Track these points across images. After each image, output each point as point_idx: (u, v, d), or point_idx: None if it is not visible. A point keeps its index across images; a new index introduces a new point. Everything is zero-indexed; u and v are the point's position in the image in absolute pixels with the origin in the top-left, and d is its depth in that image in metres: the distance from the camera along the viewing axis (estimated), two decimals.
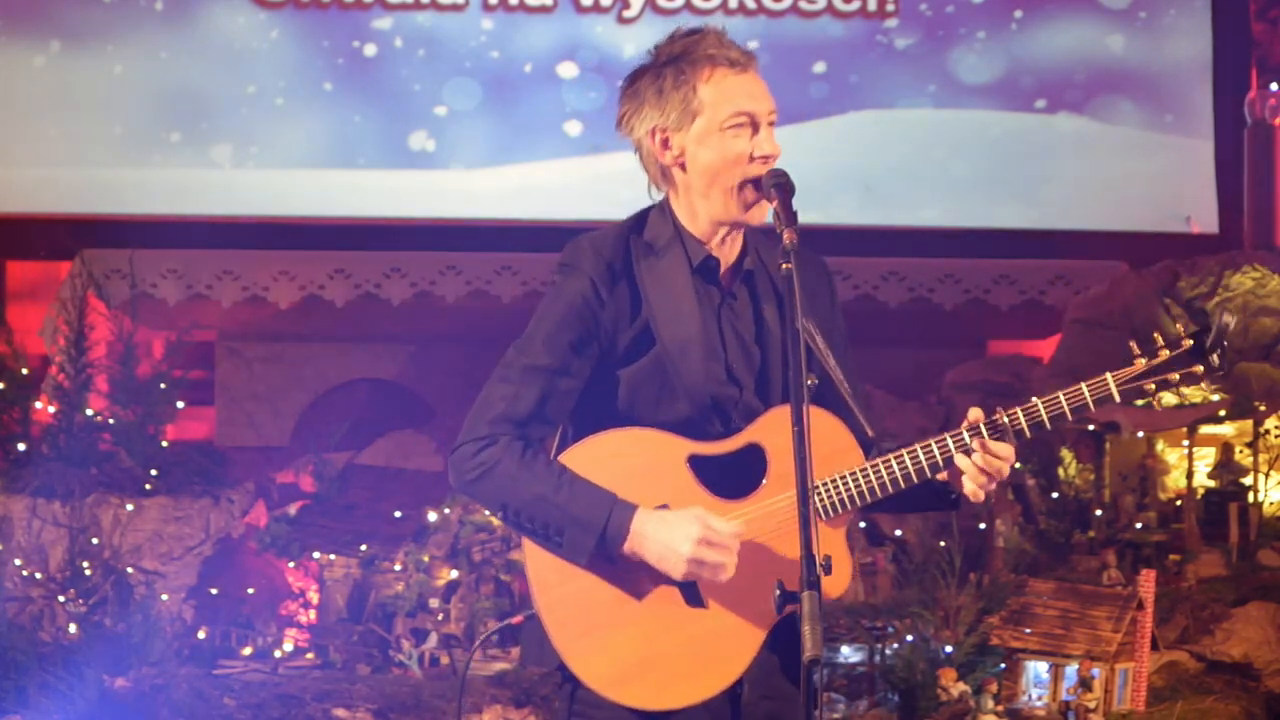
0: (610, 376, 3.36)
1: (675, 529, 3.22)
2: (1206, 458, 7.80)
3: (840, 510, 3.30)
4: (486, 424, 3.32)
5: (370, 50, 9.43)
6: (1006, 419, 3.29)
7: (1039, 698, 6.26)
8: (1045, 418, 3.30)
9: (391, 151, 9.42)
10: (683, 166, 3.39)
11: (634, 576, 3.29)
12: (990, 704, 6.09)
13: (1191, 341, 3.28)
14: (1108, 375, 3.29)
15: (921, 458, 3.29)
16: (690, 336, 3.34)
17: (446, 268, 9.00)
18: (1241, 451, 7.74)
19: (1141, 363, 3.29)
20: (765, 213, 3.35)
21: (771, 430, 3.30)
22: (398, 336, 9.43)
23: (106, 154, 9.29)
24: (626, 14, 9.45)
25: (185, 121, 9.33)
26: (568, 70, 9.38)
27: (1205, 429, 7.72)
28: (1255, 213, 9.22)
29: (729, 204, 3.36)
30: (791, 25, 9.47)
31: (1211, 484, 7.71)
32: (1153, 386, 3.30)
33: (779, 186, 3.28)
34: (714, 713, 3.32)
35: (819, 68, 9.48)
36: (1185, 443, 7.68)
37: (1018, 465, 7.60)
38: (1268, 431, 7.72)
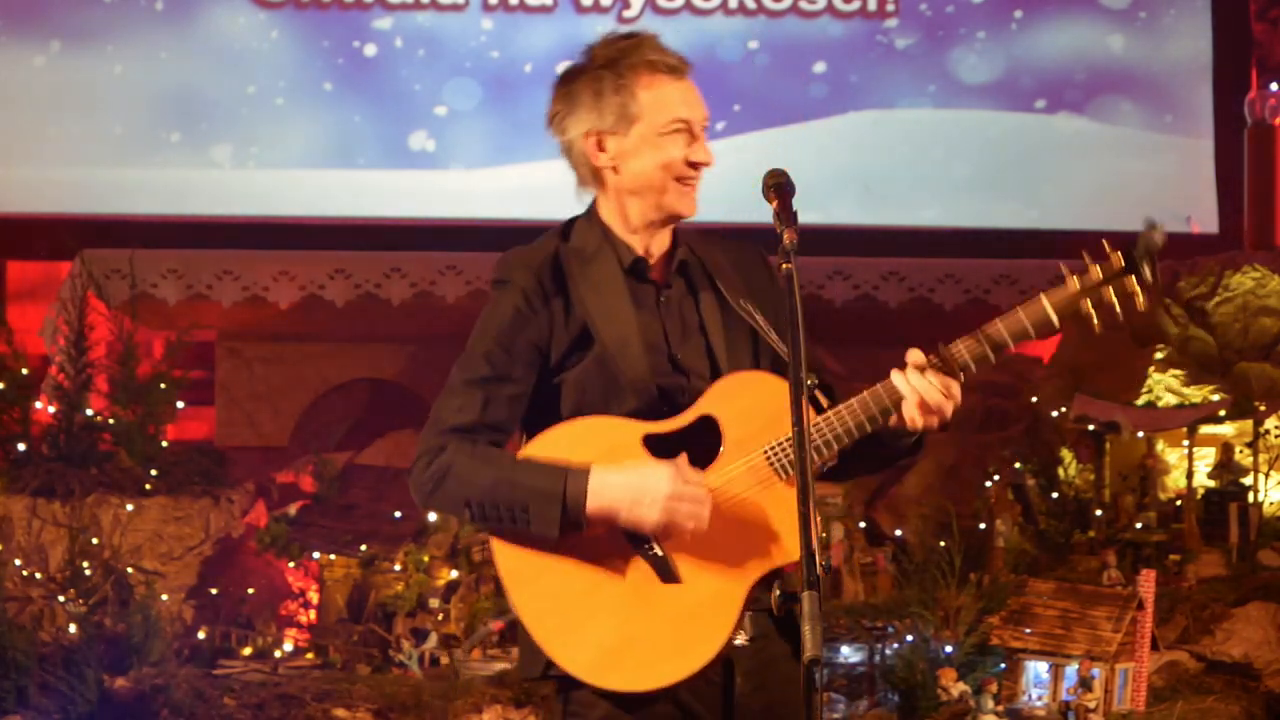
0: (555, 384, 3.39)
1: (646, 472, 3.24)
2: (1206, 458, 7.80)
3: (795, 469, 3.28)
4: (435, 438, 3.38)
5: (370, 50, 9.43)
6: (950, 352, 3.29)
7: (1039, 698, 6.26)
8: (988, 348, 3.29)
9: (391, 151, 9.42)
10: (615, 169, 3.45)
11: (607, 561, 3.30)
12: (990, 704, 6.09)
13: (1120, 256, 3.28)
14: (1042, 296, 3.29)
15: (871, 404, 3.29)
16: (628, 333, 3.37)
17: (446, 268, 9.00)
18: (1241, 451, 7.74)
19: (1074, 281, 3.29)
20: (690, 200, 3.42)
21: (722, 400, 3.32)
22: (398, 336, 9.43)
23: (106, 154, 9.29)
24: (626, 14, 9.45)
25: (185, 121, 9.33)
26: None
27: (1205, 429, 7.73)
28: (1255, 213, 9.22)
29: (660, 202, 3.42)
30: (791, 25, 9.47)
31: (1211, 484, 7.71)
32: (1088, 305, 3.28)
33: (779, 187, 3.28)
34: (706, 704, 3.33)
35: (819, 68, 9.48)
36: (1185, 443, 7.68)
37: (1018, 465, 7.66)
38: (1268, 431, 7.72)
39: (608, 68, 3.47)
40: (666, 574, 3.28)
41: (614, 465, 3.26)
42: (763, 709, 3.36)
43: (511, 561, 3.34)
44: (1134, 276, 3.26)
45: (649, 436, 3.32)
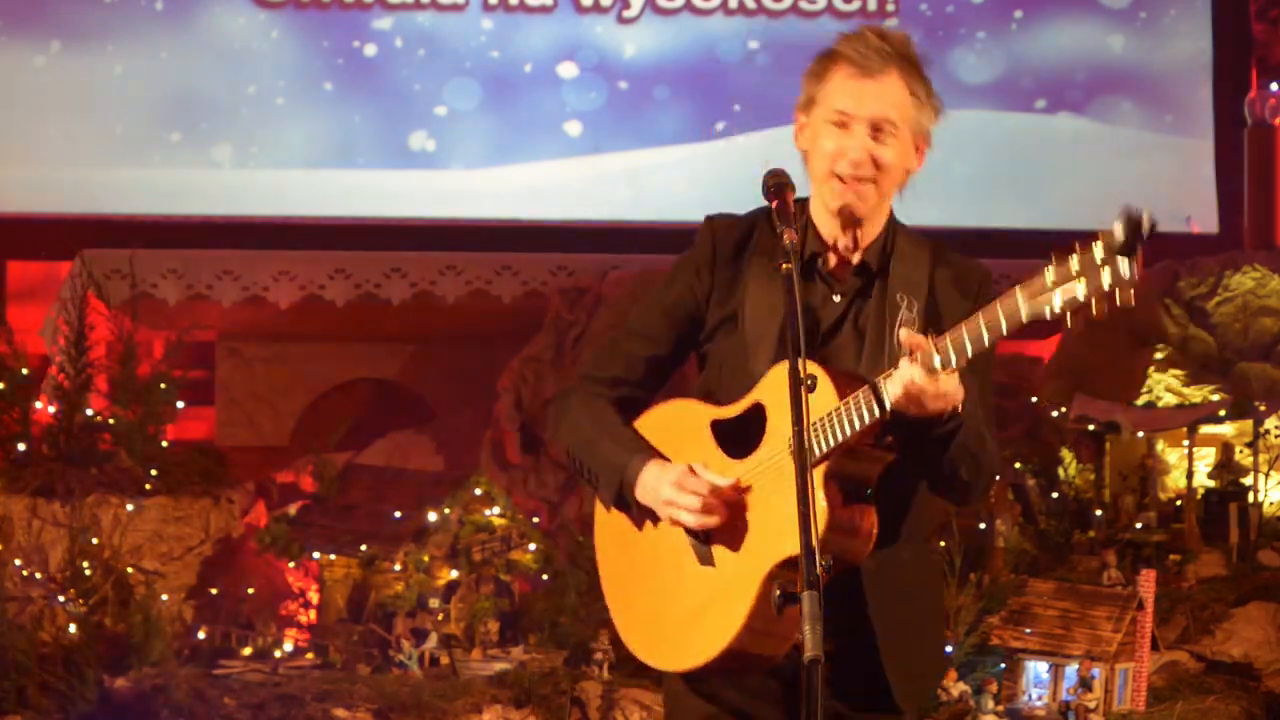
0: (703, 354, 3.53)
1: (662, 476, 3.37)
2: (1206, 458, 7.80)
3: (814, 454, 3.22)
4: (575, 380, 3.58)
5: (370, 50, 9.43)
6: (934, 348, 3.15)
7: (1039, 698, 6.27)
8: (966, 339, 3.13)
9: (391, 151, 9.41)
10: (807, 153, 3.48)
11: (662, 537, 3.42)
12: (990, 704, 6.09)
13: (1099, 248, 2.98)
14: (1016, 289, 3.09)
15: (873, 394, 3.23)
16: (768, 330, 3.40)
17: (446, 268, 9.00)
18: (1241, 451, 7.74)
19: (1049, 273, 3.04)
20: (846, 197, 3.40)
21: (769, 388, 3.35)
22: (398, 336, 9.43)
23: (106, 154, 9.29)
24: (626, 14, 9.45)
25: (185, 121, 9.33)
26: (568, 70, 9.38)
27: (1205, 429, 7.73)
28: (1255, 213, 9.22)
29: (821, 193, 3.43)
30: (791, 25, 9.47)
31: (1211, 484, 7.71)
32: (1054, 306, 3.01)
33: (779, 187, 3.32)
34: (785, 684, 3.35)
35: None
36: (1185, 443, 7.68)
37: (1018, 465, 7.66)
38: (1268, 431, 7.72)
39: (821, 54, 3.49)
40: (703, 557, 3.38)
41: (654, 466, 3.39)
42: (834, 716, 3.37)
43: (600, 531, 3.55)
44: (1109, 269, 2.97)
45: (715, 421, 3.41)
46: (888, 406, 3.22)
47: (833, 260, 3.46)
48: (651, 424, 3.49)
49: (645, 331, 3.52)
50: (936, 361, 3.16)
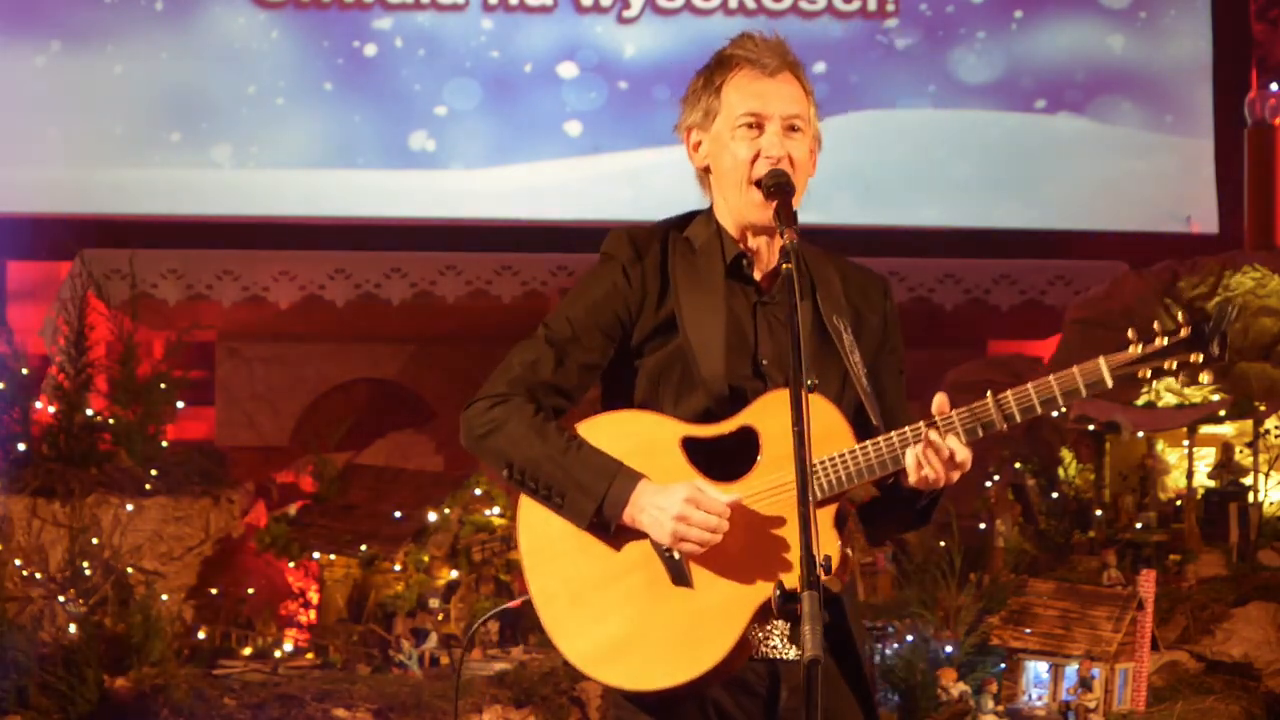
0: (634, 367, 3.39)
1: (669, 493, 3.23)
2: (1206, 458, 7.80)
3: (823, 493, 3.25)
4: (503, 384, 3.36)
5: (370, 50, 9.43)
6: (995, 404, 3.21)
7: (1039, 698, 6.27)
8: (1036, 402, 3.21)
9: (391, 151, 9.42)
10: (709, 169, 3.44)
11: (623, 554, 3.30)
12: (990, 704, 6.10)
13: (1189, 330, 3.20)
14: (1100, 359, 3.21)
15: (884, 449, 3.24)
16: (713, 331, 3.35)
17: (446, 268, 9.00)
18: (1241, 451, 7.73)
19: (1136, 349, 3.21)
20: (764, 210, 3.36)
21: (765, 414, 3.28)
22: (398, 336, 9.44)
23: (106, 154, 9.29)
24: (626, 14, 9.45)
25: (185, 121, 9.33)
26: (568, 70, 9.38)
27: (1205, 429, 7.72)
28: (1255, 213, 9.22)
29: (745, 205, 3.38)
30: (791, 25, 9.47)
31: (1211, 484, 7.71)
32: (1147, 374, 3.21)
33: (778, 187, 3.30)
34: (748, 715, 3.32)
35: (819, 68, 9.48)
36: (1185, 443, 7.67)
37: (1018, 465, 7.66)
38: (1268, 431, 7.71)
39: (709, 66, 3.46)
40: (679, 578, 3.26)
41: (650, 485, 3.25)
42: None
43: (533, 541, 3.35)
44: (1200, 354, 3.19)
45: (688, 440, 3.30)
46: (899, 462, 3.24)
47: (762, 266, 3.43)
48: (606, 435, 3.32)
49: (581, 340, 3.37)
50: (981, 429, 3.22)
